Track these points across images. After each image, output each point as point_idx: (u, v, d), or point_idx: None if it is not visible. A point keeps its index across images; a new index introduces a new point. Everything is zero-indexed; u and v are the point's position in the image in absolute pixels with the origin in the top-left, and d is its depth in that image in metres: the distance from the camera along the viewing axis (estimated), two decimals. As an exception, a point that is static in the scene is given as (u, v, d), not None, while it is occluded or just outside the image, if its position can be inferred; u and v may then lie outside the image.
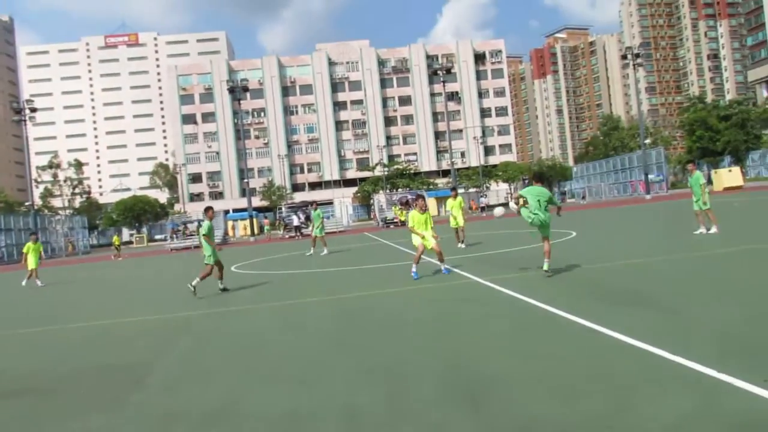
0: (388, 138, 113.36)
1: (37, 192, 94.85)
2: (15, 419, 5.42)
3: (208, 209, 13.04)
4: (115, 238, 45.66)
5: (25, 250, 21.83)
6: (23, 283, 21.43)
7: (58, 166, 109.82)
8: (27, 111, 55.04)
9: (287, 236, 50.90)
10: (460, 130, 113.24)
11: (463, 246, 18.32)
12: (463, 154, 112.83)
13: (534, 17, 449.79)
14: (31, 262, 21.14)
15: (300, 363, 6.37)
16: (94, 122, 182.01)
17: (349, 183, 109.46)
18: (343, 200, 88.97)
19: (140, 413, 5.27)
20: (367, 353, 6.51)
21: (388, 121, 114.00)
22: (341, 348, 6.88)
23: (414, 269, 12.19)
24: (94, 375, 6.73)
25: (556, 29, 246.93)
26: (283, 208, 65.63)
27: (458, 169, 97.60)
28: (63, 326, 10.69)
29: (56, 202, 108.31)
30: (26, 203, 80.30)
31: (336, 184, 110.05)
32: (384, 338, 7.13)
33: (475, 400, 4.72)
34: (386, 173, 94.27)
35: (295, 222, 47.96)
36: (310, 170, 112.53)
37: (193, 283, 12.62)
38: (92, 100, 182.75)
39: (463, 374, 5.36)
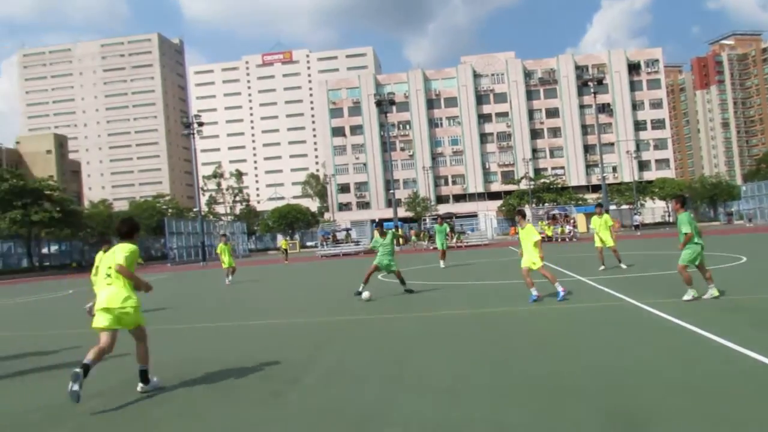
0: (534, 151, 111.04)
1: (203, 199, 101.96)
2: (184, 405, 5.86)
3: (378, 225, 15.34)
4: (283, 242, 47.75)
5: (218, 251, 24.14)
6: (227, 281, 23.11)
7: (221, 175, 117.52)
8: (195, 125, 59.01)
9: (431, 247, 51.20)
10: (612, 144, 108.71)
11: (624, 266, 17.44)
12: (615, 169, 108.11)
13: (695, 23, 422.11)
14: (226, 261, 23.16)
15: (446, 374, 6.41)
16: (253, 135, 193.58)
17: (493, 196, 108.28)
18: (488, 213, 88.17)
19: (297, 409, 5.56)
20: (516, 369, 6.44)
21: (535, 134, 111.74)
22: (488, 362, 6.85)
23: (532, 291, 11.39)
24: (257, 369, 7.15)
25: (722, 36, 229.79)
26: (428, 219, 66.13)
27: (609, 185, 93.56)
28: (242, 323, 11.45)
29: (219, 209, 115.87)
30: (194, 209, 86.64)
31: (480, 196, 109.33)
32: (533, 355, 7.03)
33: (635, 427, 4.48)
34: (532, 187, 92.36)
35: (439, 234, 48.18)
36: (454, 182, 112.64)
37: (363, 293, 13.58)
38: (251, 114, 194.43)
39: (619, 400, 5.18)
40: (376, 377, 6.48)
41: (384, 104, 58.55)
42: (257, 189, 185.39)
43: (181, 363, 7.77)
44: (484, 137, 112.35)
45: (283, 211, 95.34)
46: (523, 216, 11.86)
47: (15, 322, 14.51)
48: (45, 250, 68.46)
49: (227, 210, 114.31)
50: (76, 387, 5.84)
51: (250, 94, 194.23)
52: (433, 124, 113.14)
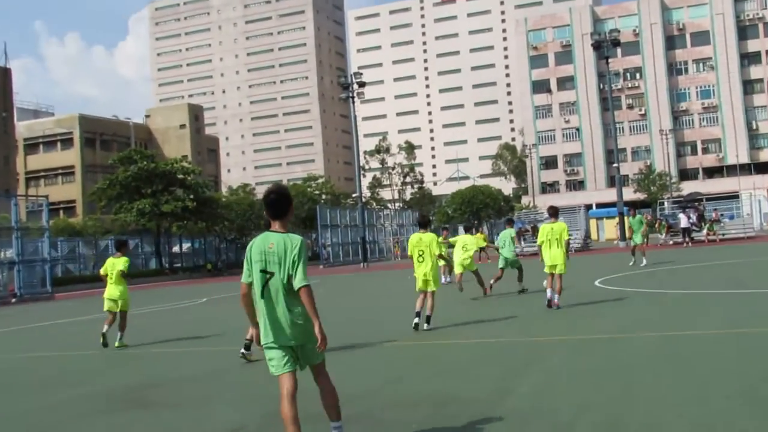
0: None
1: (364, 182, 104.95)
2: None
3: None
4: (480, 236, 44.28)
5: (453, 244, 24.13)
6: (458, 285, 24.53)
7: (387, 150, 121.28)
8: (355, 86, 60.31)
9: (671, 242, 49.09)
10: None
11: None
12: None
13: None
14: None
15: (690, 418, 6.14)
16: (428, 96, 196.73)
17: (763, 167, 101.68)
18: (755, 192, 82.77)
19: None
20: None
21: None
22: (751, 402, 6.44)
23: None
24: (432, 404, 7.16)
25: None
26: (666, 203, 63.42)
27: None
28: (424, 342, 11.64)
29: (385, 194, 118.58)
30: (353, 195, 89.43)
31: (744, 169, 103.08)
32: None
33: None
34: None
35: (683, 223, 46.05)
36: (705, 150, 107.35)
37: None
38: (426, 69, 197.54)
39: None
40: (589, 421, 6.34)
41: (605, 46, 57.04)
42: (434, 166, 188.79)
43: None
44: (749, 85, 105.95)
45: (467, 194, 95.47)
46: None
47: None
48: (176, 248, 72.47)
49: (395, 195, 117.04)
50: None
51: (424, 43, 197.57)
52: (674, 70, 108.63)
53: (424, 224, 13.95)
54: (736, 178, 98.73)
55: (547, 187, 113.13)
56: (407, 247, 14.38)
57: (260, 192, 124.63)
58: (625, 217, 33.03)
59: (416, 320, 13.01)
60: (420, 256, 13.29)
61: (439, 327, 13.22)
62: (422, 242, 13.32)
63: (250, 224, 73.06)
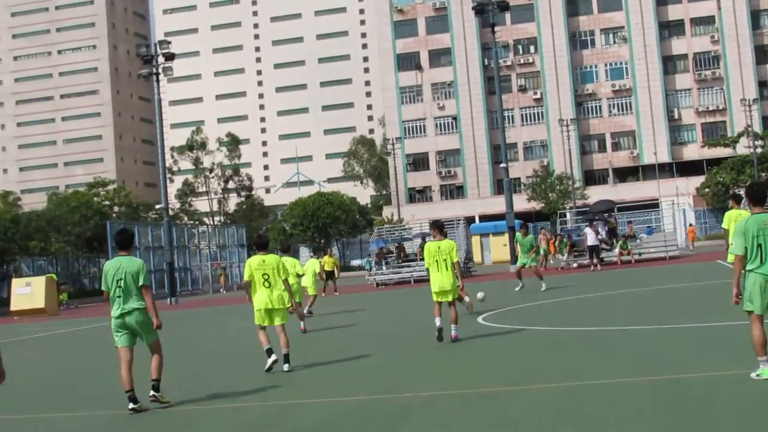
0: (764, 85, 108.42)
1: (172, 188, 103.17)
2: None
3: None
4: (325, 260, 44.06)
5: (302, 271, 25.39)
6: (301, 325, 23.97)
7: (202, 145, 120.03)
8: (161, 59, 58.92)
9: (575, 264, 50.52)
10: None
11: None
12: None
13: None
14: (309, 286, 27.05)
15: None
16: (259, 73, 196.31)
17: (687, 168, 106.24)
18: (679, 200, 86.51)
19: None
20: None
21: (763, 54, 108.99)
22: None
23: None
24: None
25: None
26: (568, 215, 65.27)
27: None
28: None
29: (200, 204, 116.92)
30: (157, 206, 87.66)
31: (664, 170, 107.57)
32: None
33: None
34: (760, 150, 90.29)
35: (590, 240, 47.40)
36: (616, 146, 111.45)
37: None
38: (256, 37, 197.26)
39: None
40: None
41: (490, 10, 57.84)
42: (266, 167, 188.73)
43: None
44: (670, 63, 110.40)
45: (310, 204, 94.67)
46: (738, 201, 12.80)
47: None
48: None
49: (214, 206, 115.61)
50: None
51: (254, 2, 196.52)
52: (577, 42, 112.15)
53: (262, 245, 15.14)
54: (654, 182, 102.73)
55: (416, 194, 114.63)
56: (243, 273, 15.17)
57: (27, 203, 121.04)
58: (518, 233, 34.64)
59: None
60: (265, 281, 14.41)
61: (276, 384, 13.10)
62: (266, 265, 14.58)
63: (13, 247, 70.52)
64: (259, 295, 14.34)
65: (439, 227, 17.07)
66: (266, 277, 14.34)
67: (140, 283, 11.85)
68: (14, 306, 53.83)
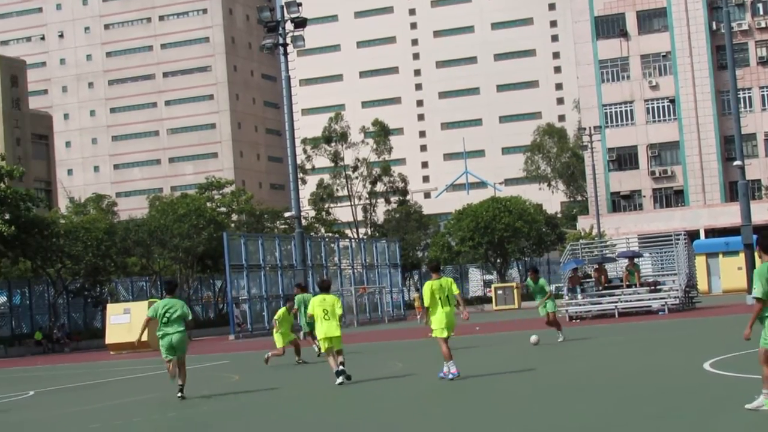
0: None
1: (305, 191, 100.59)
2: None
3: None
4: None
5: (276, 318, 29.11)
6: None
7: (343, 136, 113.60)
8: (289, 26, 56.59)
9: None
10: None
11: None
12: None
13: None
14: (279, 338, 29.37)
15: None
16: (414, 42, 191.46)
17: None
18: None
19: None
20: None
21: None
22: None
23: None
24: None
25: None
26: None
27: None
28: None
29: (341, 213, 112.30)
30: (286, 214, 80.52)
31: None
32: None
33: None
34: None
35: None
36: None
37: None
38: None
39: None
40: None
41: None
42: (425, 166, 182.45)
43: None
44: None
45: (483, 213, 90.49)
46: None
47: None
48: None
49: (357, 214, 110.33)
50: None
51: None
52: None
53: (326, 288, 19.94)
54: None
55: (621, 200, 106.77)
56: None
57: (124, 210, 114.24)
58: (528, 279, 33.06)
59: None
60: (325, 314, 18.72)
61: None
62: (326, 302, 18.57)
63: (108, 265, 67.49)
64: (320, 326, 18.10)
65: (434, 266, 19.97)
66: (326, 312, 17.82)
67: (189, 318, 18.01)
68: (110, 338, 51.19)
